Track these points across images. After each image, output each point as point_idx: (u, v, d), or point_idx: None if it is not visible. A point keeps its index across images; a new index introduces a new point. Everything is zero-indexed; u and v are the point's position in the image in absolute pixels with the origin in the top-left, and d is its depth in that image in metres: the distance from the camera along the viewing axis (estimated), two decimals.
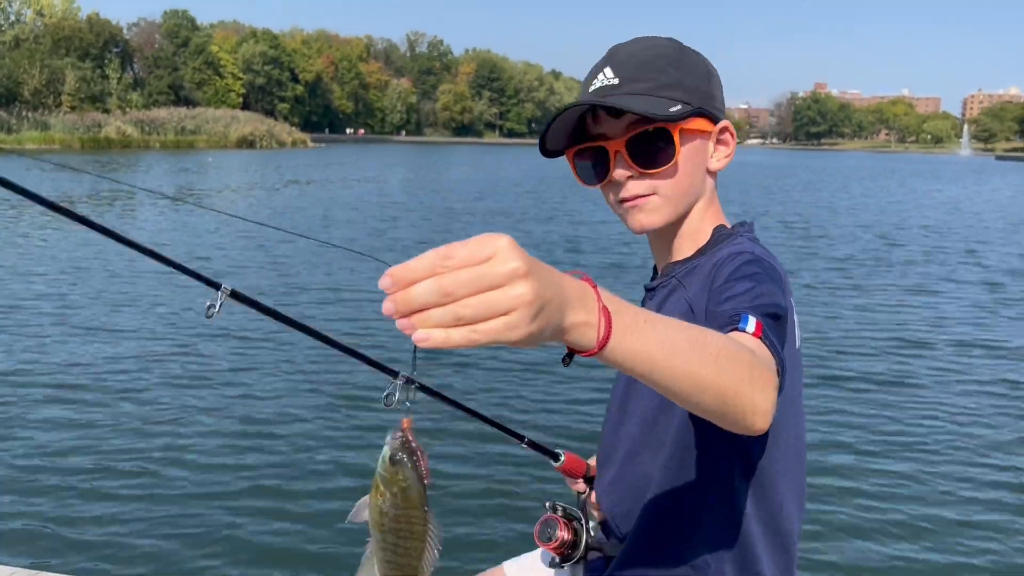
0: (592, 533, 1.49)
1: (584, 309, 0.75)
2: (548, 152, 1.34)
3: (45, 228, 16.23)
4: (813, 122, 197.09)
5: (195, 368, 7.50)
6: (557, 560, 1.50)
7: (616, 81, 1.27)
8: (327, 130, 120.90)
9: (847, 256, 15.91)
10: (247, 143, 69.94)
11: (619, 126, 1.28)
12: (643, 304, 1.42)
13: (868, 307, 11.04)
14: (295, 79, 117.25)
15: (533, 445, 1.54)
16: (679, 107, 1.26)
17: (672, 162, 1.27)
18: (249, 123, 73.87)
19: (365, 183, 33.96)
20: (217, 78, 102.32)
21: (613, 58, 1.30)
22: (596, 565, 1.49)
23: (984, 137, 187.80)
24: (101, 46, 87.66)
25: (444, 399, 1.41)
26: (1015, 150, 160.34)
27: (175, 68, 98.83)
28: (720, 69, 1.36)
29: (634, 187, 1.30)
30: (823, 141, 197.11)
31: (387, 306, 0.70)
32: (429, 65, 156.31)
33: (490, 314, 0.68)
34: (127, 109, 76.11)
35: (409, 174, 42.36)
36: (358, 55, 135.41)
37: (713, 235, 1.35)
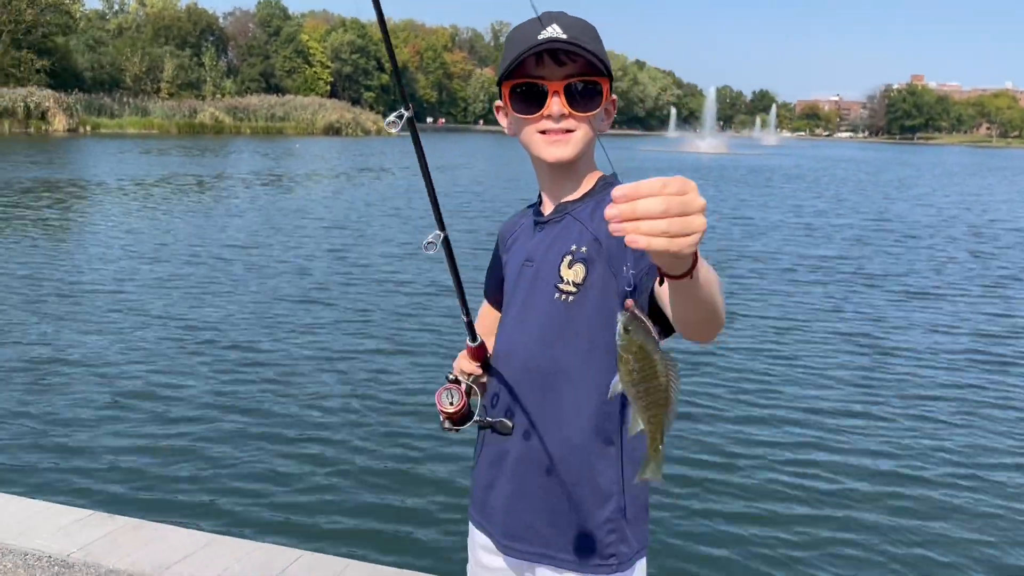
0: (479, 409, 1.71)
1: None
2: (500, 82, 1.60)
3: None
4: (908, 115, 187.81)
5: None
6: (446, 425, 1.68)
7: (565, 37, 1.50)
8: None
9: (951, 260, 15.12)
10: (333, 130, 71.14)
11: (560, 72, 1.53)
12: (534, 233, 1.69)
13: (965, 315, 10.42)
14: (381, 68, 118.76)
15: (469, 325, 1.69)
16: (605, 72, 1.55)
17: (597, 110, 1.57)
18: (335, 111, 75.01)
19: (453, 169, 34.18)
20: (306, 66, 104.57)
21: (558, 20, 1.53)
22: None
23: None
24: (198, 35, 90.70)
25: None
26: None
27: (267, 56, 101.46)
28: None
29: (565, 123, 1.55)
30: (918, 135, 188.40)
31: (611, 212, 0.90)
32: None
33: (684, 232, 0.90)
34: (220, 96, 78.47)
35: (491, 163, 42.43)
36: (443, 45, 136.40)
37: (599, 182, 1.64)
